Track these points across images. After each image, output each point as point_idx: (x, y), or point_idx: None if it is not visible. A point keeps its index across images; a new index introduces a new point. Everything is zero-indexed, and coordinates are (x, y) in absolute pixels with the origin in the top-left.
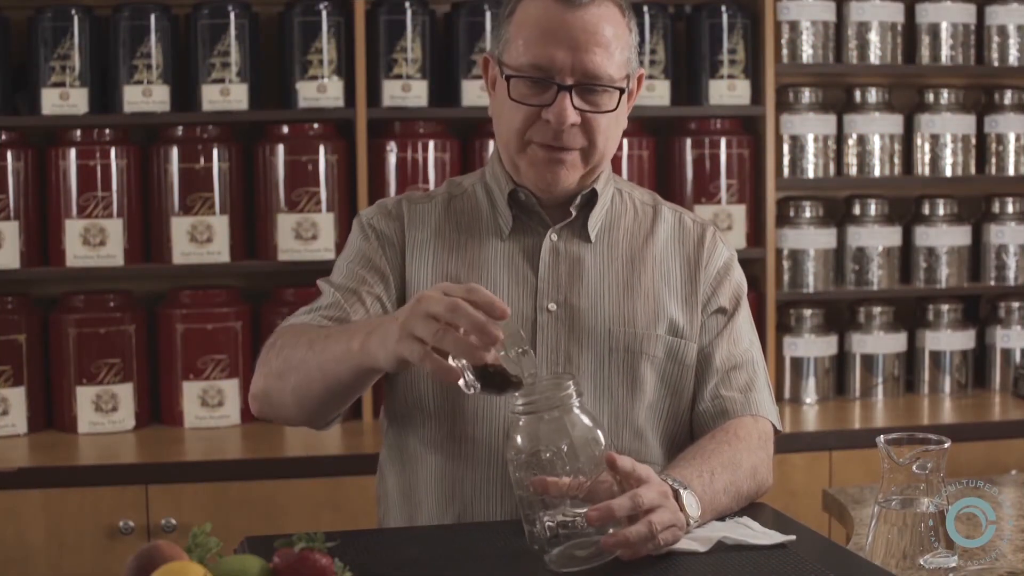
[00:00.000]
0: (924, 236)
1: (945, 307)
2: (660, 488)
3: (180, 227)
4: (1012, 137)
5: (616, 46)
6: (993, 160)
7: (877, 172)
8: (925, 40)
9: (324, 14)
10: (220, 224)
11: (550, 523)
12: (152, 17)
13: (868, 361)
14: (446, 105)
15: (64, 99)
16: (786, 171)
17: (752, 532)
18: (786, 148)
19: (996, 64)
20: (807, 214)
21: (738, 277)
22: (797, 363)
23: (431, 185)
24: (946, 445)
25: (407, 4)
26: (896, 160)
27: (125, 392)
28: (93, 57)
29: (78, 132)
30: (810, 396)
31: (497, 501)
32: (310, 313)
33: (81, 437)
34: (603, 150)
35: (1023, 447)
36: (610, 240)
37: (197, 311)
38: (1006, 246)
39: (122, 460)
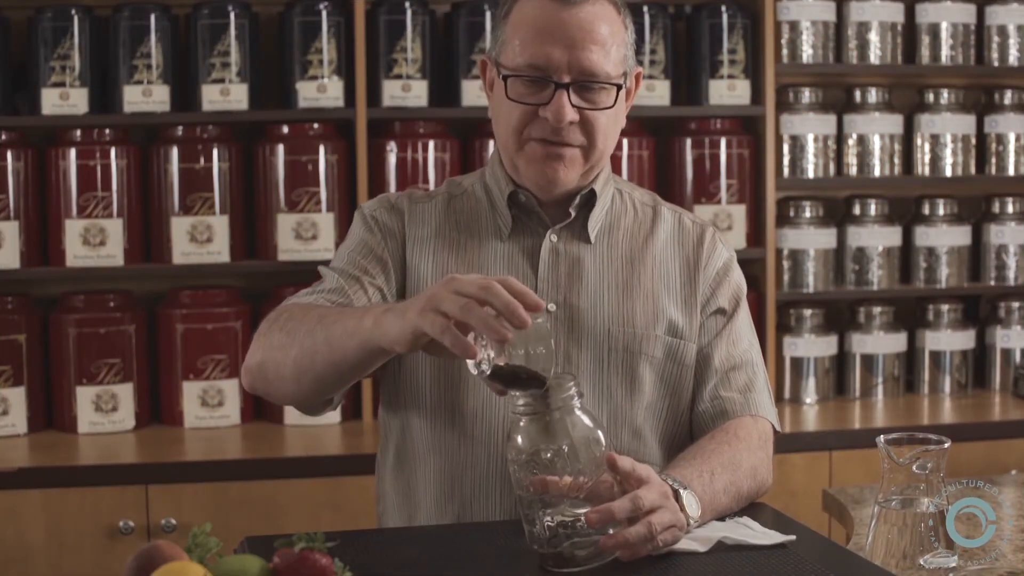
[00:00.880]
0: (924, 236)
1: (945, 307)
2: (661, 489)
3: (180, 227)
4: (1012, 137)
5: (612, 43)
6: (993, 160)
7: (877, 172)
8: (925, 40)
9: (324, 14)
10: (220, 224)
11: (550, 523)
12: (152, 17)
13: (868, 361)
14: (446, 105)
15: (64, 99)
16: (786, 171)
17: (752, 532)
18: (786, 148)
19: (996, 64)
20: (807, 214)
21: (737, 278)
22: (797, 363)
23: (431, 185)
24: (946, 445)
25: (407, 4)
26: (896, 160)
27: (125, 392)
28: (93, 57)
29: (78, 132)
30: (810, 396)
31: (496, 500)
32: (312, 295)
33: (81, 437)
34: (602, 148)
35: (1023, 447)
36: (610, 241)
37: (197, 311)
38: (1006, 246)
39: (122, 460)
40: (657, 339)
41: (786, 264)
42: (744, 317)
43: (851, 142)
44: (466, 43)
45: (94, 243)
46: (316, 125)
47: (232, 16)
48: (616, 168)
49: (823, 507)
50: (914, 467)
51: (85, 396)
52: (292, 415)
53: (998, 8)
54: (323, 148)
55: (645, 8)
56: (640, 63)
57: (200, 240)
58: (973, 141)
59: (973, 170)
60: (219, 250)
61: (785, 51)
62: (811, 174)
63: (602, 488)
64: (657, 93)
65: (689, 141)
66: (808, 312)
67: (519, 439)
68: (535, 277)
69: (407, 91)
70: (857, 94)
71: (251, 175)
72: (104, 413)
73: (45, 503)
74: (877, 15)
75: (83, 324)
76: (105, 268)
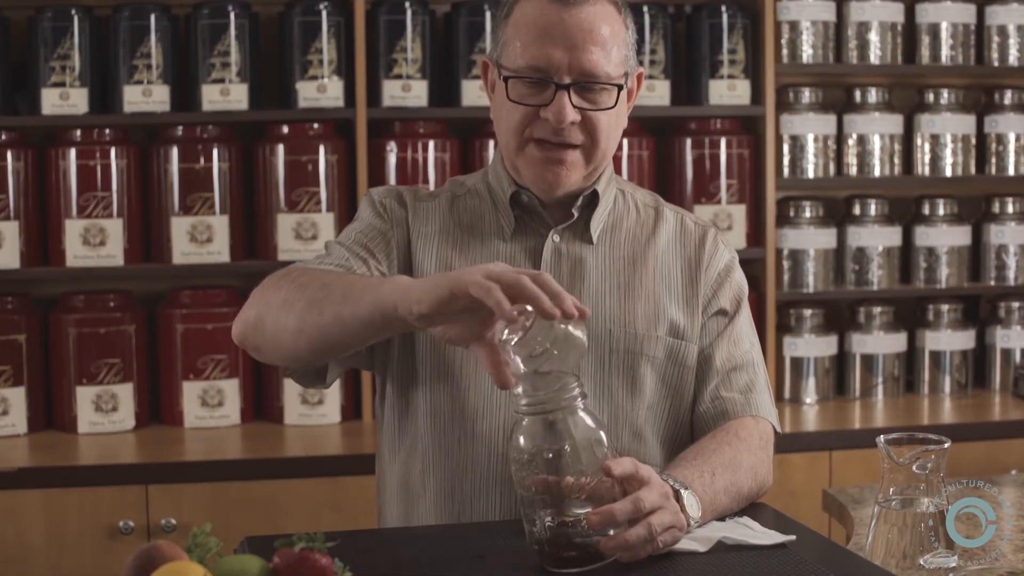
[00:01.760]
0: (924, 236)
1: (945, 307)
2: (661, 490)
3: (180, 227)
4: (1012, 137)
5: (613, 44)
6: (993, 160)
7: (877, 172)
8: (925, 40)
9: (324, 14)
10: (220, 224)
11: (551, 523)
12: (152, 17)
13: (868, 361)
14: (446, 105)
15: (64, 99)
16: (786, 171)
17: (752, 532)
18: (786, 148)
19: (996, 64)
20: (807, 214)
21: (739, 279)
22: (797, 363)
23: (431, 185)
24: (946, 445)
25: (407, 4)
26: (896, 160)
27: (125, 392)
28: (93, 57)
29: (78, 132)
30: (810, 396)
31: (496, 500)
32: (319, 264)
33: (81, 437)
34: (604, 148)
35: (1023, 447)
36: (612, 241)
37: (197, 311)
38: (1006, 246)
39: (122, 460)
40: (658, 340)
41: (786, 264)
42: (745, 318)
43: (851, 142)
44: (466, 43)
45: (94, 243)
46: (316, 125)
47: (232, 16)
48: (616, 168)
49: (823, 507)
50: (914, 467)
51: (85, 396)
52: (292, 415)
53: (998, 8)
54: (323, 148)
55: (645, 8)
56: (640, 63)
57: (200, 240)
58: (973, 141)
59: (973, 170)
60: (219, 250)
61: (785, 51)
62: (811, 174)
63: (603, 489)
64: (657, 93)
65: (689, 141)
66: (808, 312)
67: (521, 438)
68: None
69: (407, 91)
70: (857, 94)
71: (251, 175)
72: (104, 413)
73: (45, 503)
74: (877, 15)
75: (83, 324)
76: (105, 268)
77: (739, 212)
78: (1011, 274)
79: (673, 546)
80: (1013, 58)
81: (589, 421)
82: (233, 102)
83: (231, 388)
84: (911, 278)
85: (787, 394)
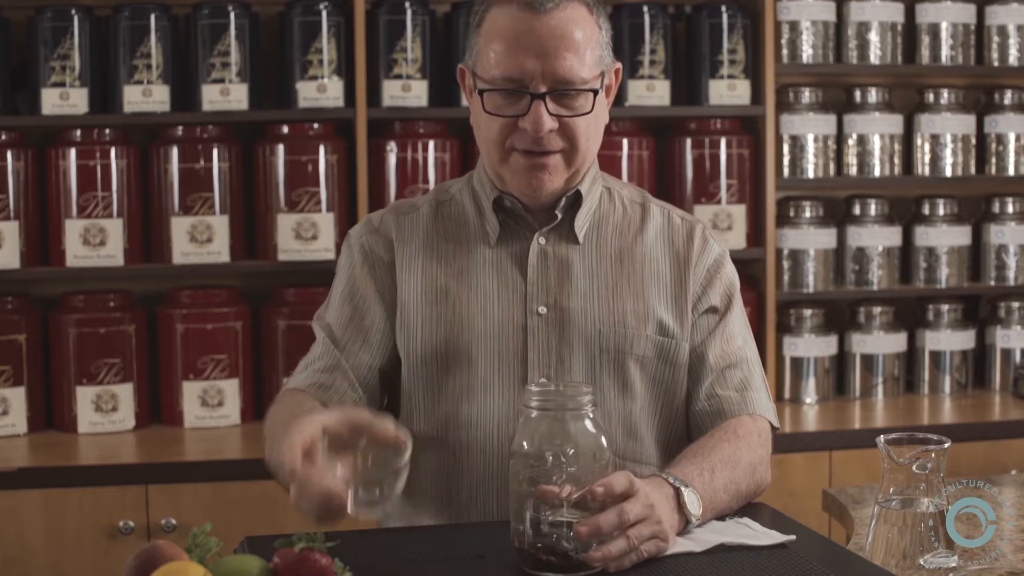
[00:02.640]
0: (924, 236)
1: (945, 307)
2: (646, 501)
3: (180, 227)
4: (1012, 137)
5: (586, 47)
6: (993, 160)
7: (877, 172)
8: (925, 40)
9: (324, 14)
10: (220, 224)
11: (537, 523)
12: (152, 17)
13: (868, 361)
14: (446, 105)
15: (64, 99)
16: (786, 171)
17: (752, 532)
18: (786, 148)
19: (996, 64)
20: (807, 214)
21: (730, 274)
22: (797, 363)
23: (431, 186)
24: (946, 445)
25: (407, 4)
26: (896, 160)
27: (125, 392)
28: (93, 57)
29: (78, 132)
30: (810, 396)
31: (493, 507)
32: (306, 370)
33: (81, 437)
34: (584, 151)
35: (1023, 447)
36: (598, 240)
37: (197, 311)
38: (1006, 246)
39: (122, 460)
40: (647, 339)
41: (786, 264)
42: (738, 314)
43: (851, 142)
44: (466, 43)
45: (94, 243)
46: (316, 125)
47: (232, 16)
48: (616, 168)
49: (823, 507)
50: (914, 467)
51: (85, 396)
52: None
53: (998, 8)
54: (323, 148)
55: (645, 8)
56: (640, 63)
57: (200, 240)
58: (973, 141)
59: (973, 170)
60: (219, 250)
61: (785, 51)
62: (811, 174)
63: (589, 498)
64: (657, 93)
65: (689, 141)
66: (808, 312)
67: (527, 432)
68: (524, 281)
69: (407, 91)
70: (857, 94)
71: (251, 175)
72: (104, 413)
73: (45, 503)
74: (877, 15)
75: (83, 324)
76: (105, 268)
77: (739, 212)
78: (1011, 274)
79: (659, 554)
80: (1013, 58)
81: (593, 429)
82: (233, 102)
83: (231, 388)
84: (911, 278)
85: (787, 394)
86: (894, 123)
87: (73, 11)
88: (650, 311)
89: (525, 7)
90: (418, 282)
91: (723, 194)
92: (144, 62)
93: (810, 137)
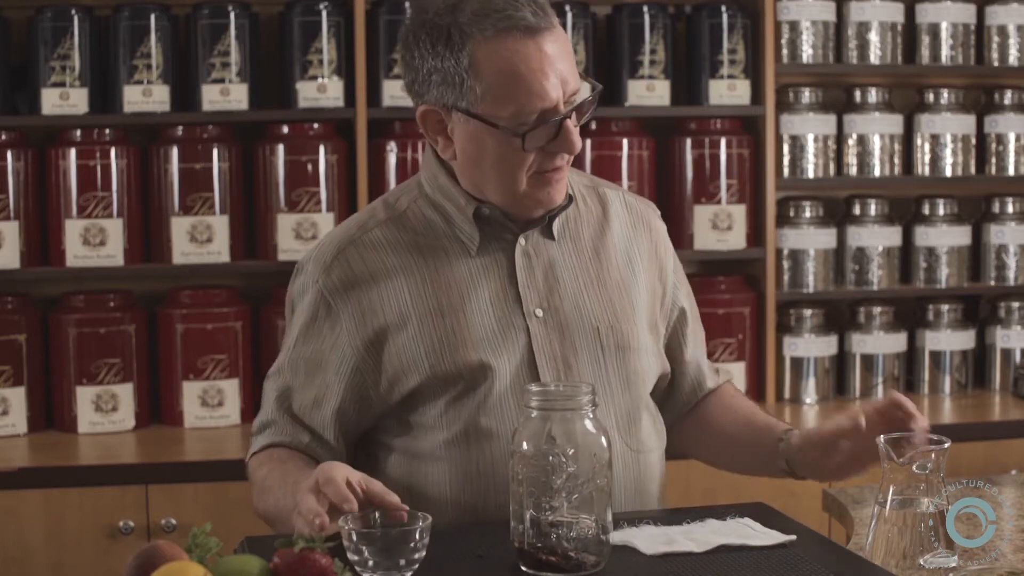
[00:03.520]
0: (924, 236)
1: (945, 307)
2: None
3: (180, 227)
4: (1012, 137)
5: (572, 55)
6: (993, 160)
7: (877, 172)
8: (925, 40)
9: (324, 14)
10: (220, 224)
11: (538, 522)
12: (152, 17)
13: (868, 361)
14: None
15: (64, 99)
16: (786, 171)
17: (752, 532)
18: (786, 148)
19: (996, 64)
20: (807, 214)
21: (670, 245)
22: (797, 363)
23: None
24: (946, 445)
25: (407, 4)
26: (896, 160)
27: (125, 392)
28: (93, 57)
29: (78, 132)
30: (810, 396)
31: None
32: (260, 435)
33: (81, 437)
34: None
35: (1023, 447)
36: (571, 235)
37: (197, 311)
38: (1006, 246)
39: (122, 460)
40: (639, 331)
41: (786, 264)
42: (686, 286)
43: (851, 142)
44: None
45: (94, 243)
46: (316, 125)
47: (232, 16)
48: (616, 168)
49: (823, 507)
50: (914, 467)
51: (85, 396)
52: None
53: (998, 8)
54: (323, 148)
55: (645, 8)
56: (640, 63)
57: (200, 240)
58: (973, 141)
59: (973, 170)
60: (219, 250)
61: (785, 51)
62: (811, 174)
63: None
64: (657, 93)
65: (689, 141)
66: (808, 312)
67: (526, 431)
68: (515, 286)
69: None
70: (857, 94)
71: (251, 175)
72: (104, 413)
73: (45, 503)
74: (877, 15)
75: (83, 324)
76: (105, 268)
77: (739, 212)
78: (1011, 274)
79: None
80: (1013, 58)
81: (593, 428)
82: (233, 102)
83: (231, 388)
84: (911, 278)
85: (787, 394)
86: (894, 123)
87: (73, 11)
88: (635, 302)
89: (528, 32)
90: (406, 302)
91: (723, 194)
92: (144, 62)
93: (810, 137)
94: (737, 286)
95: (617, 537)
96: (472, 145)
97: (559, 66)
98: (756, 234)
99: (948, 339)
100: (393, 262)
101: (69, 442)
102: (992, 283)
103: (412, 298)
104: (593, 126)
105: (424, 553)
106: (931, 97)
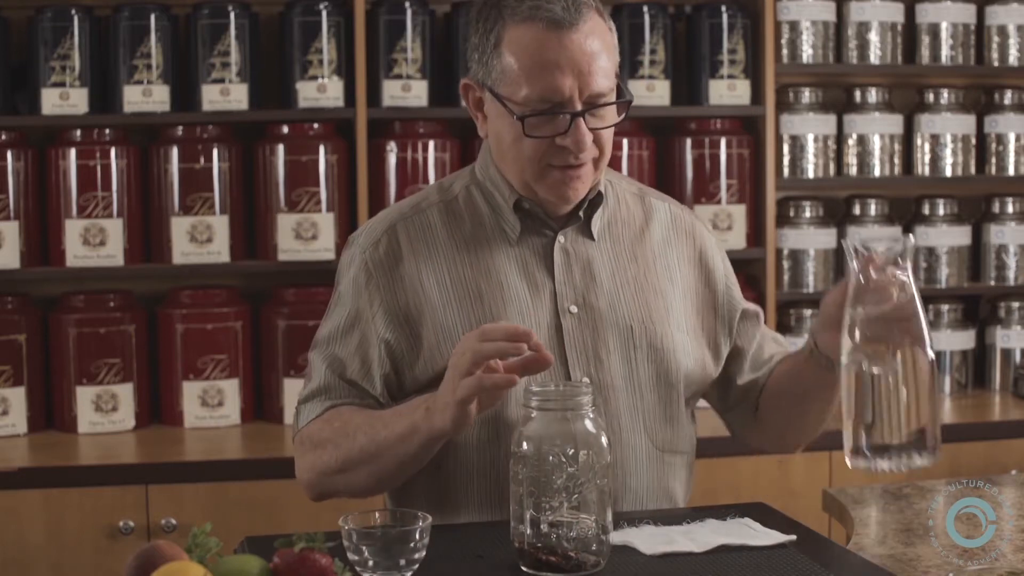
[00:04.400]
0: (924, 236)
1: (945, 307)
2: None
3: (180, 227)
4: (1012, 137)
5: (609, 58)
6: (993, 160)
7: (877, 172)
8: (925, 40)
9: (324, 14)
10: (220, 224)
11: (540, 524)
12: (152, 17)
13: None
14: (446, 105)
15: (64, 99)
16: (786, 171)
17: (753, 532)
18: (786, 148)
19: (996, 64)
20: (807, 214)
21: (720, 255)
22: None
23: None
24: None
25: (407, 4)
26: (896, 160)
27: (125, 392)
28: (93, 57)
29: (78, 132)
30: None
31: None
32: (311, 402)
33: (81, 437)
34: (607, 156)
35: (1023, 447)
36: (611, 237)
37: (197, 311)
38: (1006, 246)
39: (122, 460)
40: (674, 334)
41: (786, 264)
42: (735, 283)
43: (851, 142)
44: (466, 43)
45: (94, 243)
46: (316, 125)
47: (232, 16)
48: (616, 168)
49: (823, 507)
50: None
51: (85, 396)
52: (292, 415)
53: (998, 8)
54: (323, 148)
55: (645, 8)
56: (640, 63)
57: (200, 240)
58: (973, 141)
59: (973, 170)
60: (219, 250)
61: (785, 51)
62: (811, 174)
63: (593, 497)
64: (657, 93)
65: (689, 141)
66: (808, 312)
67: (525, 432)
68: (552, 281)
69: (407, 91)
70: (857, 94)
71: (251, 175)
72: (104, 413)
73: (45, 503)
74: (877, 15)
75: (83, 324)
76: (105, 268)
77: (739, 212)
78: (1011, 274)
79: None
80: (1013, 58)
81: (593, 429)
82: (233, 102)
83: (231, 388)
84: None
85: None
86: (894, 123)
87: (73, 11)
88: (671, 307)
89: (552, 25)
90: (447, 284)
91: (723, 194)
92: (144, 62)
93: (810, 137)
94: None
95: (617, 537)
96: (494, 124)
97: (581, 64)
98: (756, 234)
99: (948, 339)
100: (439, 244)
101: (69, 442)
102: (992, 283)
103: (452, 281)
104: None
105: (424, 553)
106: (931, 97)
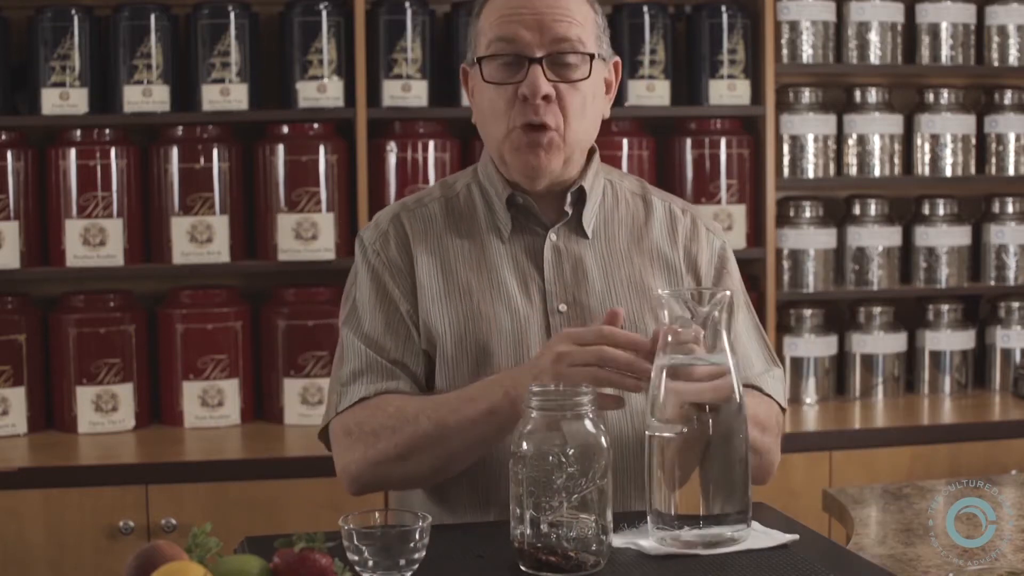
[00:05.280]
0: (924, 236)
1: (945, 307)
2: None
3: (180, 227)
4: (1012, 137)
5: (582, 20)
6: (993, 160)
7: (877, 172)
8: (925, 40)
9: (324, 14)
10: (220, 224)
11: (540, 524)
12: (152, 17)
13: (868, 361)
14: (446, 105)
15: (64, 99)
16: (786, 171)
17: (753, 532)
18: (786, 148)
19: (996, 64)
20: (807, 214)
21: (733, 267)
22: (797, 363)
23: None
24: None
25: (407, 4)
26: (896, 160)
27: (125, 392)
28: (93, 57)
29: (78, 132)
30: (810, 396)
31: None
32: (353, 384)
33: (81, 437)
34: (578, 129)
35: (1023, 447)
36: (607, 235)
37: (197, 311)
38: (1006, 246)
39: (122, 460)
40: None
41: (786, 264)
42: (744, 305)
43: (851, 142)
44: (466, 43)
45: (94, 243)
46: (316, 125)
47: (232, 16)
48: (616, 168)
49: (823, 507)
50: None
51: (85, 396)
52: (292, 415)
53: (998, 8)
54: (323, 148)
55: (645, 8)
56: (640, 63)
57: (200, 240)
58: (973, 141)
59: (973, 170)
60: (219, 250)
61: (785, 51)
62: (811, 174)
63: (592, 497)
64: (657, 93)
65: (689, 141)
66: (808, 312)
67: (525, 433)
68: (541, 279)
69: (407, 91)
70: (857, 94)
71: (251, 175)
72: (104, 413)
73: (45, 503)
74: (877, 15)
75: (83, 324)
76: (105, 268)
77: (739, 212)
78: (1011, 274)
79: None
80: (1013, 58)
81: (592, 429)
82: (233, 102)
83: (231, 388)
84: (911, 278)
85: (787, 394)
86: (894, 123)
87: (73, 11)
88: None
89: None
90: (439, 278)
91: (723, 194)
92: (144, 62)
93: (810, 137)
94: None
95: (620, 540)
96: (474, 99)
97: (544, 15)
98: (756, 234)
99: (948, 339)
100: (438, 235)
101: (69, 442)
102: (992, 283)
103: (445, 273)
104: None
105: (424, 553)
106: (931, 97)
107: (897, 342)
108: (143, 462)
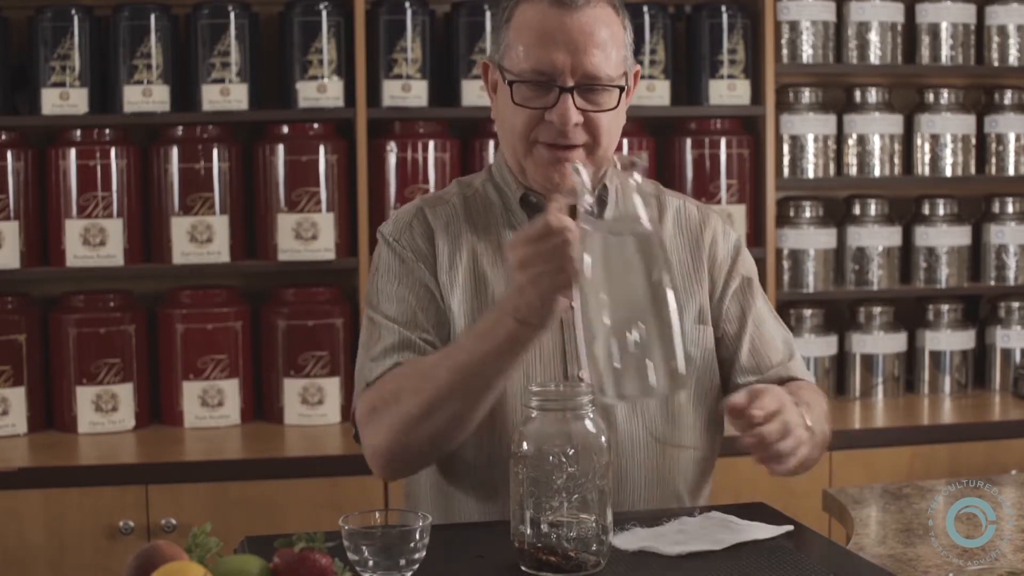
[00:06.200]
0: (924, 236)
1: (945, 307)
2: (781, 396)
3: (180, 227)
4: (1012, 137)
5: (612, 46)
6: (993, 160)
7: (877, 172)
8: (925, 40)
9: (324, 14)
10: (220, 224)
11: (540, 524)
12: (152, 17)
13: (868, 361)
14: (446, 105)
15: (64, 99)
16: (786, 171)
17: (748, 526)
18: (786, 148)
19: (996, 64)
20: (807, 214)
21: (748, 260)
22: None
23: (431, 186)
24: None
25: (407, 4)
26: (896, 160)
27: (125, 392)
28: (93, 57)
29: (78, 132)
30: None
31: None
32: (385, 359)
33: (81, 437)
34: (606, 146)
35: (1023, 447)
36: None
37: (197, 311)
38: (1006, 246)
39: (122, 460)
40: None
41: (786, 264)
42: (760, 297)
43: (851, 142)
44: (466, 43)
45: (94, 243)
46: (316, 125)
47: (232, 16)
48: None
49: (823, 507)
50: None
51: (85, 396)
52: (292, 415)
53: (998, 8)
54: (323, 148)
55: (645, 8)
56: (640, 63)
57: (200, 240)
58: (973, 141)
59: (973, 170)
60: (219, 250)
61: (785, 51)
62: (811, 174)
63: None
64: (657, 93)
65: (689, 141)
66: (808, 312)
67: (525, 432)
68: None
69: (407, 91)
70: (857, 94)
71: (251, 175)
72: (104, 413)
73: (45, 503)
74: (877, 15)
75: (83, 324)
76: (105, 268)
77: (739, 212)
78: (1011, 274)
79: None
80: (1013, 58)
81: (593, 429)
82: (233, 102)
83: (231, 388)
84: (911, 278)
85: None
86: (894, 123)
87: (73, 11)
88: (682, 302)
89: (556, 3)
90: (458, 272)
91: (723, 194)
92: (144, 62)
93: (810, 137)
94: None
95: (635, 543)
96: (495, 97)
97: (577, 42)
98: (756, 234)
99: (948, 339)
100: (458, 228)
101: (69, 442)
102: (992, 283)
103: (464, 266)
104: None
105: (424, 553)
106: (931, 97)
107: (897, 342)
108: (143, 462)
